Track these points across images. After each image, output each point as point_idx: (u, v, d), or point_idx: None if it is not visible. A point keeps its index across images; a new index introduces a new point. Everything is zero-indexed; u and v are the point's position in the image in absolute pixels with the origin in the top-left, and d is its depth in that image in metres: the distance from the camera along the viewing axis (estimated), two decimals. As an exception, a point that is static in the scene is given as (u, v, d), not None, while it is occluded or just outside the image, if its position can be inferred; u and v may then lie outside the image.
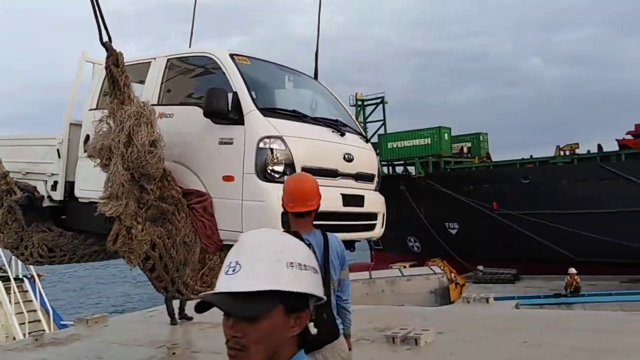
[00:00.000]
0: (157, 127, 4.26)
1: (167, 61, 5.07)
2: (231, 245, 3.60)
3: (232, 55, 4.67)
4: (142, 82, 5.13)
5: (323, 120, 4.91)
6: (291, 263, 1.08)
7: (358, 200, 4.90)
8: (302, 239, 2.94)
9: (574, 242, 21.91)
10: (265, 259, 1.07)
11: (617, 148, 24.64)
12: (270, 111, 4.48)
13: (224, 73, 4.56)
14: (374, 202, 5.19)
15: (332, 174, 4.64)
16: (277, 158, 4.19)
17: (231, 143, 4.32)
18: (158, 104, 4.75)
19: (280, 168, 4.19)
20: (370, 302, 14.42)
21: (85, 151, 5.06)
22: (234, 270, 1.06)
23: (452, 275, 18.40)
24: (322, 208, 4.44)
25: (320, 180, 4.56)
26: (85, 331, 7.81)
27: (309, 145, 4.52)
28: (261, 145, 4.19)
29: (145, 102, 4.35)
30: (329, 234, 3.25)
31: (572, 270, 15.23)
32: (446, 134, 29.38)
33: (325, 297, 1.14)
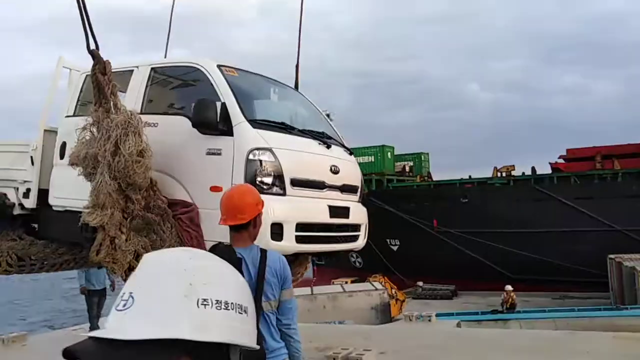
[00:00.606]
0: (144, 137, 4.21)
1: (151, 70, 5.01)
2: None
3: (219, 66, 4.67)
4: (121, 90, 5.05)
5: (310, 133, 4.95)
6: (205, 300, 0.78)
7: (344, 211, 4.97)
8: (234, 254, 2.67)
9: (509, 260, 22.60)
10: (168, 292, 0.78)
11: (550, 171, 25.78)
12: (259, 123, 4.51)
13: (211, 84, 4.55)
14: (358, 213, 5.26)
15: (319, 185, 4.71)
16: (266, 170, 4.24)
17: (219, 154, 4.32)
18: (141, 113, 4.69)
19: (269, 180, 4.24)
20: (311, 319, 14.18)
21: (61, 158, 4.94)
22: (124, 306, 0.77)
23: (393, 291, 18.46)
24: (310, 219, 4.55)
25: (308, 192, 4.66)
26: None
27: (297, 157, 4.58)
28: (251, 157, 4.22)
29: (132, 111, 4.31)
30: (270, 251, 3.03)
31: (509, 288, 15.65)
32: (389, 153, 29.86)
33: (257, 346, 0.87)
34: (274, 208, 4.14)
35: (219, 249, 2.76)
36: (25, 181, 5.46)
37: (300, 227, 4.37)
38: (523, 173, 26.49)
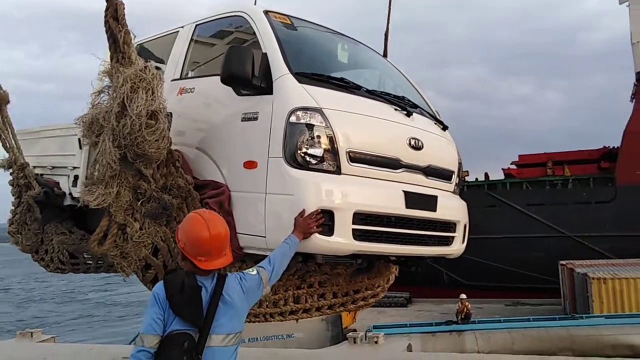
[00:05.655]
0: (161, 97, 3.38)
1: (195, 28, 4.26)
2: (254, 255, 2.68)
3: (266, 12, 3.78)
4: (161, 61, 4.59)
5: (382, 96, 3.85)
6: None
7: (428, 201, 3.78)
8: (193, 280, 2.53)
9: (463, 267, 22.41)
10: None
11: (502, 177, 25.87)
12: (308, 77, 3.46)
13: (254, 32, 3.69)
14: (452, 207, 4.07)
15: (392, 163, 3.59)
16: (314, 138, 3.22)
17: (256, 119, 3.39)
18: (181, 78, 4.02)
19: (317, 151, 3.23)
20: (259, 332, 13.37)
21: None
22: None
23: (346, 300, 17.86)
24: (375, 208, 3.41)
25: (375, 171, 3.49)
26: None
27: (359, 122, 3.50)
28: (293, 119, 3.23)
29: (148, 63, 3.49)
30: (230, 277, 2.68)
31: (463, 296, 15.27)
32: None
33: None
34: (323, 190, 3.18)
35: (175, 276, 2.57)
36: (74, 167, 4.79)
37: (360, 218, 3.30)
38: (476, 179, 26.48)
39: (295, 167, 3.19)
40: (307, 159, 3.21)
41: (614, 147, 23.97)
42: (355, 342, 7.37)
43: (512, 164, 26.43)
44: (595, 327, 12.47)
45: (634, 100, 23.72)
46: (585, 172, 23.98)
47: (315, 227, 3.09)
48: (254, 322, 4.01)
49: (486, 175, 26.30)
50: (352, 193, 3.31)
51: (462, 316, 14.46)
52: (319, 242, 3.14)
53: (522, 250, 21.88)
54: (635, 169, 21.65)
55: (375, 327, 12.12)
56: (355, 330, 12.48)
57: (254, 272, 2.76)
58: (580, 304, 16.25)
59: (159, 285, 2.56)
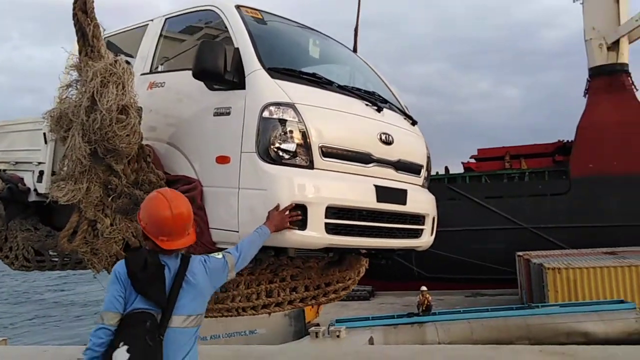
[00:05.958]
0: (131, 91, 3.34)
1: (165, 22, 4.21)
2: (225, 249, 2.45)
3: (238, 7, 3.77)
4: (130, 55, 4.53)
5: (354, 91, 3.90)
6: None
7: (398, 195, 3.84)
8: (156, 259, 2.53)
9: (424, 259, 22.77)
10: None
11: (462, 170, 26.39)
12: (280, 72, 3.49)
13: (226, 27, 3.69)
14: (421, 200, 4.14)
15: (363, 158, 3.62)
16: (287, 133, 3.25)
17: (228, 114, 3.40)
18: (151, 72, 3.98)
19: (290, 146, 3.25)
20: (221, 329, 13.26)
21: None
22: None
23: (310, 294, 17.86)
24: (347, 202, 3.45)
25: (347, 166, 3.51)
26: None
27: (331, 117, 3.54)
28: (265, 114, 3.25)
29: (118, 57, 3.44)
30: (193, 258, 2.66)
31: (424, 288, 15.51)
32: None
33: None
34: (296, 184, 3.21)
35: (137, 254, 2.57)
36: (39, 163, 4.68)
37: (332, 212, 3.33)
38: (437, 172, 26.89)
39: (268, 162, 3.21)
40: (280, 153, 3.23)
41: (568, 141, 24.77)
42: (317, 337, 7.38)
43: (471, 157, 26.99)
44: (550, 316, 12.89)
45: (587, 95, 24.56)
46: (541, 165, 24.72)
47: (289, 222, 3.13)
48: (227, 316, 4.03)
49: (446, 169, 26.78)
50: (324, 187, 3.35)
51: (423, 308, 14.69)
52: (292, 236, 3.17)
53: (481, 242, 22.39)
54: (588, 162, 22.44)
55: (337, 321, 12.18)
56: (318, 325, 12.51)
57: (220, 256, 2.76)
58: (536, 293, 16.75)
59: (120, 263, 2.53)
